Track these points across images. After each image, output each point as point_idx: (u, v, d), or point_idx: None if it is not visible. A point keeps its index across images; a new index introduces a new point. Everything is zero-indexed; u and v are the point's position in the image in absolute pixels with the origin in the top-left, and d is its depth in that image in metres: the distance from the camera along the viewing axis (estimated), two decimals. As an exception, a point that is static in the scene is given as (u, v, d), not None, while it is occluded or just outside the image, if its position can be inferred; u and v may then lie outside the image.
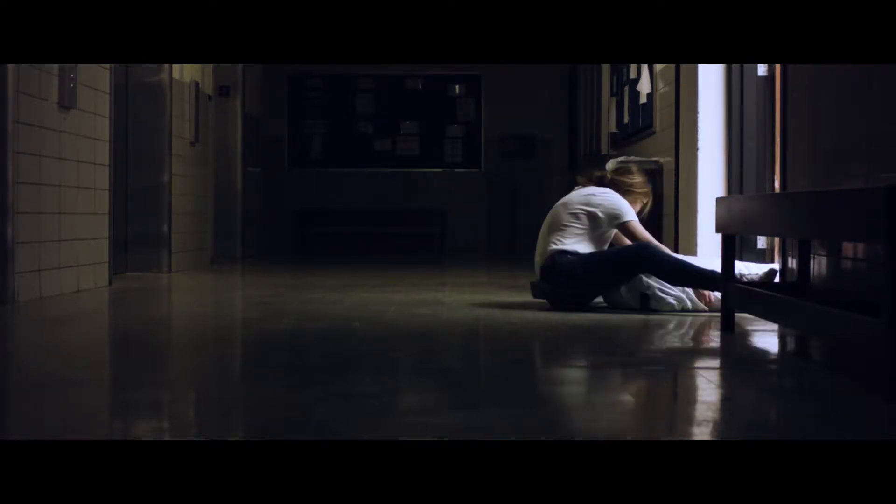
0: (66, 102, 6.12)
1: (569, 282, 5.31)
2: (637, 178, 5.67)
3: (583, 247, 5.38)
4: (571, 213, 5.44)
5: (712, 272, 5.07)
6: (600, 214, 5.41)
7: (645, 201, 5.70)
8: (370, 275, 8.42)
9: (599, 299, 5.49)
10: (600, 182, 5.65)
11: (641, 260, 5.24)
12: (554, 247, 5.39)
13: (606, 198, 5.47)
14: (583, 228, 5.40)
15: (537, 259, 5.52)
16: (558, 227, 5.44)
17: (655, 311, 5.23)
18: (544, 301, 5.51)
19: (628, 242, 5.44)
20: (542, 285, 5.46)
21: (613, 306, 5.39)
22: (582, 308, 5.35)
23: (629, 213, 5.43)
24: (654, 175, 7.98)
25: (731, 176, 6.88)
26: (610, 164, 8.09)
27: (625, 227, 5.42)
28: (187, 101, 9.03)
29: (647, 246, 5.29)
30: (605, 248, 5.48)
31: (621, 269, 5.28)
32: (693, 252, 6.87)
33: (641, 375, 3.45)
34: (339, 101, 14.04)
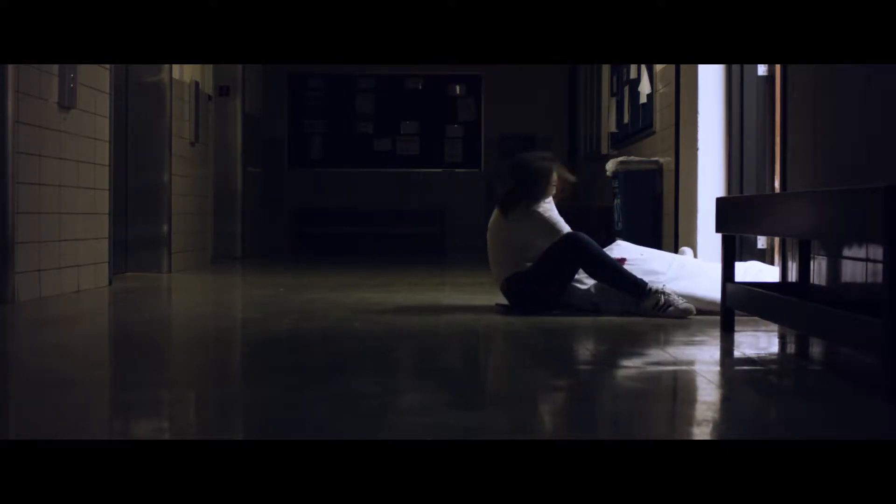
0: (66, 102, 6.12)
1: (524, 300, 5.27)
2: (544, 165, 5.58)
3: (526, 264, 5.30)
4: (505, 240, 5.38)
5: (635, 278, 5.08)
6: (533, 234, 5.32)
7: (556, 186, 5.55)
8: (370, 275, 8.42)
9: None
10: (511, 196, 5.46)
11: (568, 248, 5.19)
12: (503, 273, 5.34)
13: (534, 218, 5.34)
14: (520, 249, 5.32)
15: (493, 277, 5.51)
16: (501, 254, 5.39)
17: (602, 312, 5.15)
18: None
19: None
20: (503, 305, 5.43)
21: (571, 306, 5.32)
22: (579, 309, 5.34)
23: (562, 225, 5.32)
24: (653, 175, 7.99)
25: (731, 176, 6.88)
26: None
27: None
28: (187, 101, 9.03)
29: (572, 235, 5.23)
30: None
31: (557, 264, 5.22)
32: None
33: (641, 375, 3.45)
34: (339, 101, 14.04)
